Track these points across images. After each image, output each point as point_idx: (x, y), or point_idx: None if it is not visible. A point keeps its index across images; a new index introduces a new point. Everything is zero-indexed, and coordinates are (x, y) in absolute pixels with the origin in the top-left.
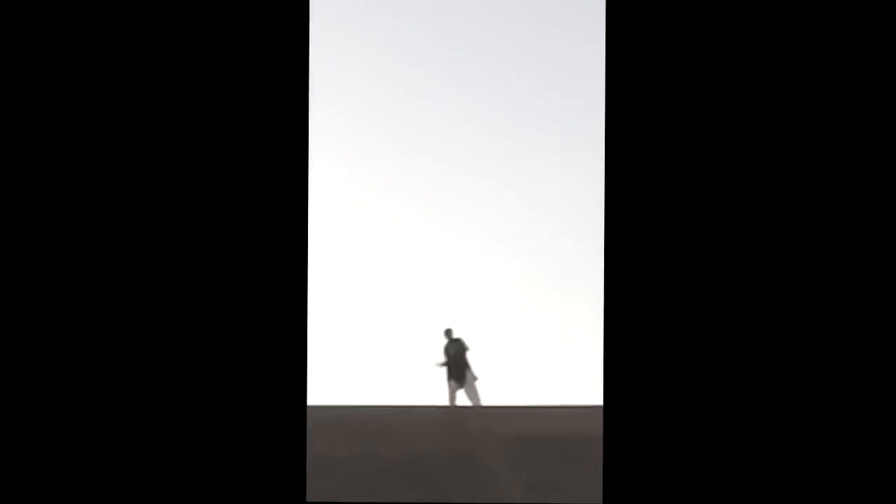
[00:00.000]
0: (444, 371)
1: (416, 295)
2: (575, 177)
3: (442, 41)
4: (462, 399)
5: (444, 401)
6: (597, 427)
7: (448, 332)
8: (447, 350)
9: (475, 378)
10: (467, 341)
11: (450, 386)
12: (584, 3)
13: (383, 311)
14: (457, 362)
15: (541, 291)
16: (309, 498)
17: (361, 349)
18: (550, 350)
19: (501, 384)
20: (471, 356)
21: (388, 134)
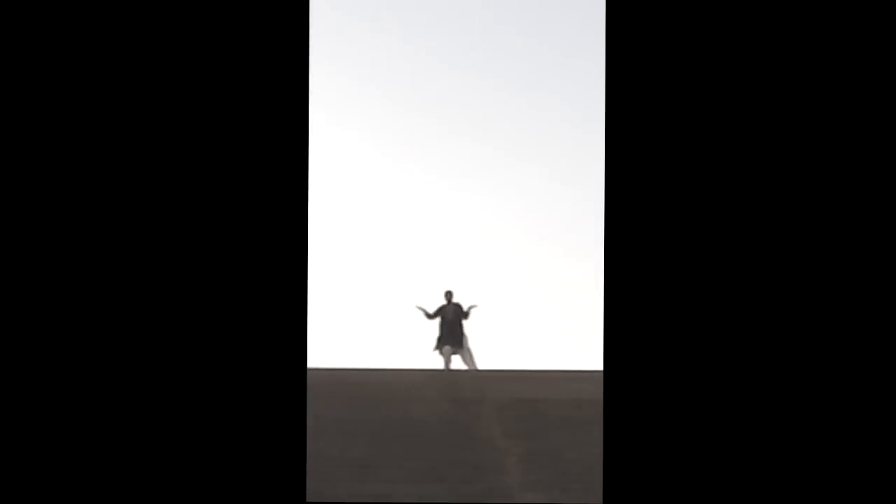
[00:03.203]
0: (435, 335)
1: (413, 258)
2: (579, 139)
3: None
4: (457, 363)
5: (439, 364)
6: (595, 392)
7: (448, 295)
8: (445, 312)
9: (468, 342)
10: (465, 306)
11: (444, 351)
12: None
13: (381, 275)
14: (453, 326)
15: (541, 254)
16: (309, 494)
17: (357, 311)
18: (548, 314)
19: (499, 348)
20: (466, 322)
21: (395, 100)
